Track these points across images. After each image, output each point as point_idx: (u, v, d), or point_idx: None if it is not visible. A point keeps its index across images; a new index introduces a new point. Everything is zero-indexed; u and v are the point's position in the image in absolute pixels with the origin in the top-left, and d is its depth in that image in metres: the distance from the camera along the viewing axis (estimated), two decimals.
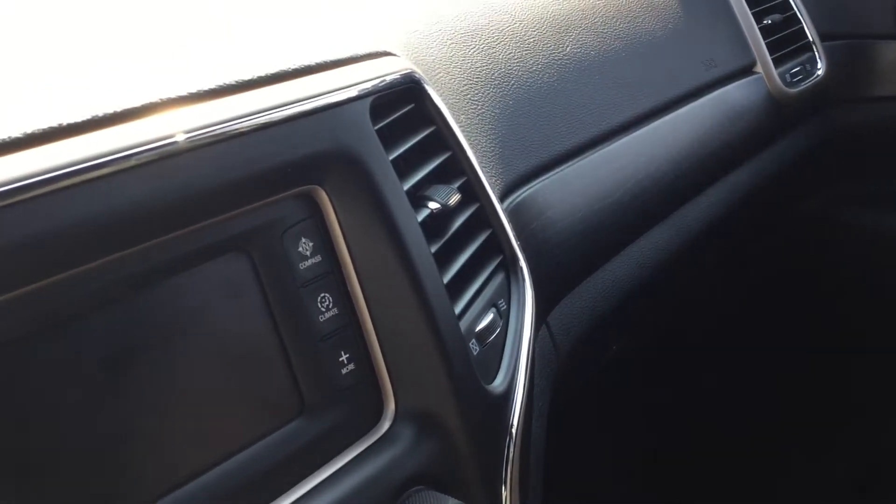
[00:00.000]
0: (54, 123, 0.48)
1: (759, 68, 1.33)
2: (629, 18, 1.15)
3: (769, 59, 1.32)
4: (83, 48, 0.61)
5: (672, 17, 1.21)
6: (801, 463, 1.60)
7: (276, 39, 0.66)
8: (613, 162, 1.03)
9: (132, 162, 0.50)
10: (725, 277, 1.60)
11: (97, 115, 0.50)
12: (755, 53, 1.32)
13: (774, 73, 1.32)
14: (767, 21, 1.35)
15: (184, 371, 0.54)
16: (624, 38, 1.12)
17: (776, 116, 1.33)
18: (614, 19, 1.12)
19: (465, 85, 0.87)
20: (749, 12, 1.33)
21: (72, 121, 0.49)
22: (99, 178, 0.48)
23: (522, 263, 0.78)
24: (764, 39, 1.33)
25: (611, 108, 1.06)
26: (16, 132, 0.47)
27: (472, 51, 0.91)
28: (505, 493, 0.69)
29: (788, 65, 1.37)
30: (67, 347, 0.49)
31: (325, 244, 0.61)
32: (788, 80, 1.35)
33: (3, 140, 0.47)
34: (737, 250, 1.53)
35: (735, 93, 1.27)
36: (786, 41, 1.38)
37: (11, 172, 0.45)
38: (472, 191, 0.75)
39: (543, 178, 0.92)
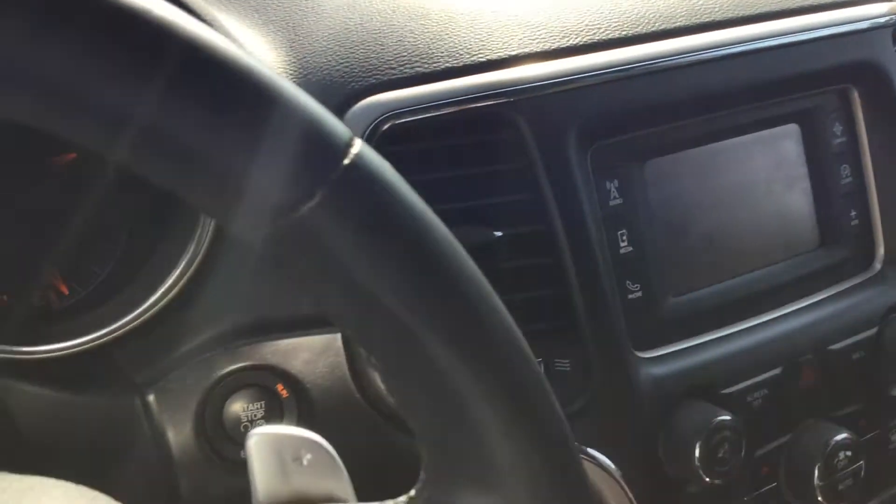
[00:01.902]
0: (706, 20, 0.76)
1: None
2: None
3: None
4: None
5: None
6: None
7: None
8: None
9: (734, 51, 0.76)
10: None
11: (733, 17, 0.77)
12: None
13: None
14: None
15: (741, 202, 0.80)
16: None
17: None
18: None
19: None
20: None
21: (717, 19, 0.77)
22: (713, 60, 0.75)
23: None
24: None
25: None
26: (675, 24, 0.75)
27: None
28: None
29: None
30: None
31: (852, 128, 0.84)
32: None
33: (671, 28, 0.75)
34: None
35: None
36: None
37: (690, 44, 0.73)
38: None
39: None
